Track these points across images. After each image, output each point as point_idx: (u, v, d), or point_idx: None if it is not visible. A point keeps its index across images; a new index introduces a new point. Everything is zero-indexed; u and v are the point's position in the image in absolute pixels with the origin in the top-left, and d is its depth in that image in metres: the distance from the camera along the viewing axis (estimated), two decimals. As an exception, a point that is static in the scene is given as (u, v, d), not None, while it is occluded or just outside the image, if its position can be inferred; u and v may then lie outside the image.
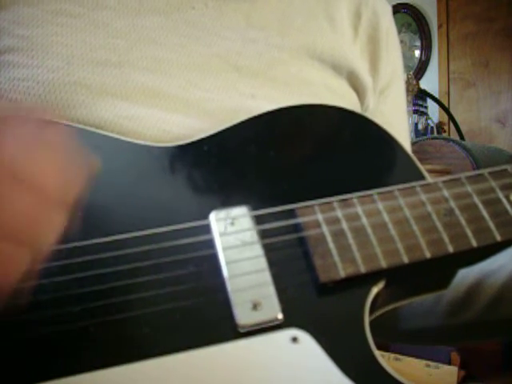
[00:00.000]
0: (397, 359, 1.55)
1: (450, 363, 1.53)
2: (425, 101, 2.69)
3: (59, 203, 0.29)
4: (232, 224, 0.36)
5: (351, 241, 0.36)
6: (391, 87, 0.59)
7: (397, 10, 3.22)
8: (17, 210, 0.27)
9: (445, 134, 2.86)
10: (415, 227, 0.37)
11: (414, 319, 0.54)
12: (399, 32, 3.24)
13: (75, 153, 0.31)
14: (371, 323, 0.34)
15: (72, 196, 0.30)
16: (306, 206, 0.37)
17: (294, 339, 0.32)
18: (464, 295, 0.50)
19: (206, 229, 0.36)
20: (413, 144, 1.87)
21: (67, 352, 0.32)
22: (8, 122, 0.30)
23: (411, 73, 2.62)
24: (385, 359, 0.33)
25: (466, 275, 0.50)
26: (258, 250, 0.35)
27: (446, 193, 0.38)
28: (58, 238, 0.29)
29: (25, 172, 0.28)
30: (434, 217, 0.37)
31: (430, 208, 0.37)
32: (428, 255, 0.36)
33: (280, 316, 0.33)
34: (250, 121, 0.43)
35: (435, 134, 2.73)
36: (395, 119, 0.59)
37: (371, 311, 0.35)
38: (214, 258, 0.35)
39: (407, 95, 2.29)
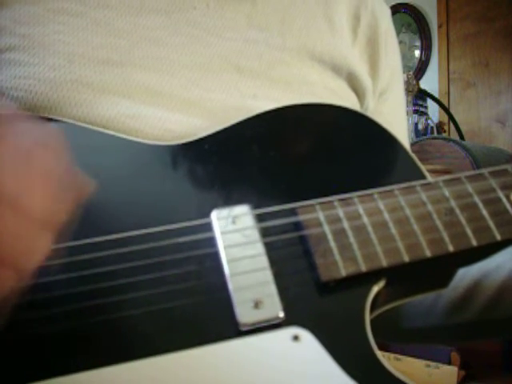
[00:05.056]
0: (397, 359, 1.55)
1: (450, 363, 1.53)
2: (425, 101, 2.68)
3: (44, 225, 0.29)
4: (233, 222, 0.36)
5: (352, 240, 0.36)
6: (391, 89, 0.59)
7: (397, 10, 3.22)
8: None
9: (445, 134, 2.85)
10: (416, 226, 0.37)
11: (414, 319, 0.54)
12: (399, 32, 3.23)
13: (68, 172, 0.30)
14: (372, 323, 0.34)
15: (58, 218, 0.29)
16: (308, 205, 0.37)
17: (296, 338, 0.32)
18: (463, 295, 0.50)
19: (208, 227, 0.36)
20: (413, 144, 1.87)
21: (66, 351, 0.32)
22: None
23: (411, 73, 2.61)
24: (385, 359, 0.33)
25: (464, 275, 0.50)
26: (259, 249, 0.35)
27: (446, 192, 0.38)
28: (43, 259, 0.29)
29: (9, 193, 0.27)
30: (435, 216, 0.37)
31: (430, 207, 0.38)
32: (428, 254, 0.36)
33: (281, 314, 0.33)
34: (251, 119, 0.43)
35: (435, 133, 2.73)
36: (395, 120, 0.59)
37: (372, 310, 0.35)
38: (215, 256, 0.35)
39: (407, 95, 2.29)
